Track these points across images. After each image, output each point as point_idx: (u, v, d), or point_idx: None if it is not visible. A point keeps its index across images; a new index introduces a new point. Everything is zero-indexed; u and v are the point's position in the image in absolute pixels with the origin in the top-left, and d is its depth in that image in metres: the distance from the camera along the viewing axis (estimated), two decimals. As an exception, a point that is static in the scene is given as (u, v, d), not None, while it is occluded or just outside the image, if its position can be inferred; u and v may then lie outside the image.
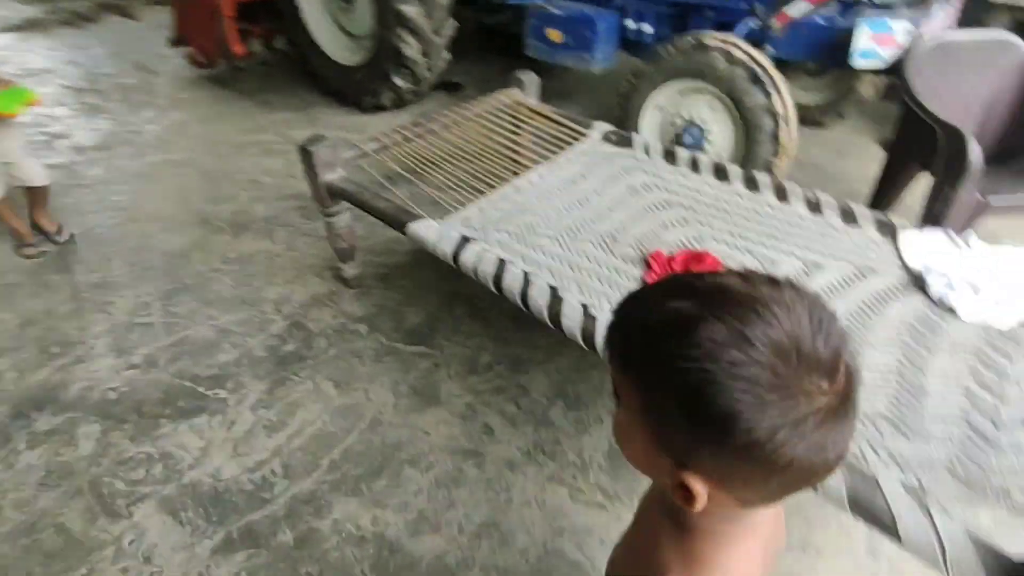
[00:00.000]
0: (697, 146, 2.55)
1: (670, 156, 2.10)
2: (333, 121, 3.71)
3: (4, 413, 1.81)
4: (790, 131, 2.30)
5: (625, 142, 2.21)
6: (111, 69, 4.55)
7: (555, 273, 1.58)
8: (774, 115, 2.27)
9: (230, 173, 3.11)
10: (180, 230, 2.65)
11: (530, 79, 2.51)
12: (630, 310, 0.49)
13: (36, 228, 2.52)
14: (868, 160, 3.28)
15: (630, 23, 3.06)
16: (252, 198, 2.90)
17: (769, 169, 2.37)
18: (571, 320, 1.39)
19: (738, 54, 2.28)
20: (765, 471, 0.43)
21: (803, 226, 1.73)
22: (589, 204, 1.87)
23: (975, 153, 1.82)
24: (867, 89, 3.31)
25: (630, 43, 3.16)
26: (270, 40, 4.51)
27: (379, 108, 3.76)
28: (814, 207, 1.80)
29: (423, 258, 2.45)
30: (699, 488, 0.45)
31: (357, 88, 3.71)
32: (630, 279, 1.56)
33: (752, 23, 2.56)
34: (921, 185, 2.28)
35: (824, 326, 0.42)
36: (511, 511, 1.53)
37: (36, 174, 2.41)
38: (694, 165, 2.04)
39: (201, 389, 1.88)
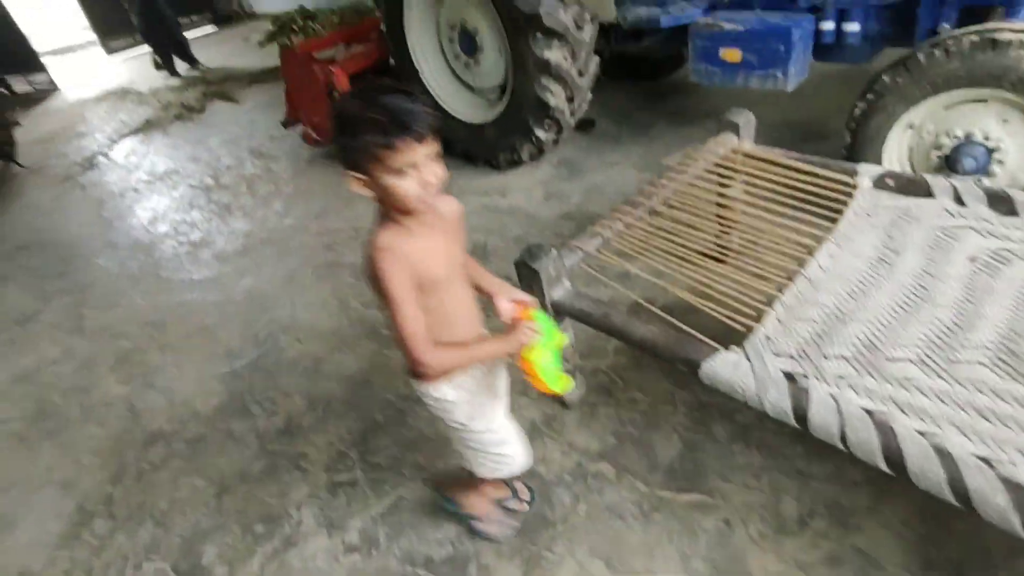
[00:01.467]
0: (982, 171, 1.97)
1: (998, 202, 1.55)
2: (470, 186, 3.38)
3: (224, 628, 1.53)
4: None
5: (915, 188, 1.68)
6: (230, 160, 4.50)
7: (961, 425, 1.08)
8: (1123, 121, 1.66)
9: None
10: (350, 347, 2.36)
11: (746, 119, 2.03)
12: None
13: None
14: None
15: (828, 25, 2.51)
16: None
17: (1114, 192, 1.75)
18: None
19: (1055, 48, 1.70)
20: None
21: None
22: (932, 297, 1.35)
23: None
24: None
25: (824, 48, 2.61)
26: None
27: (515, 163, 3.41)
28: None
29: (642, 356, 2.00)
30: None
31: (489, 147, 3.37)
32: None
33: (1035, 1, 1.95)
34: None
35: None
36: None
37: None
38: (1049, 213, 1.47)
39: (442, 580, 1.52)
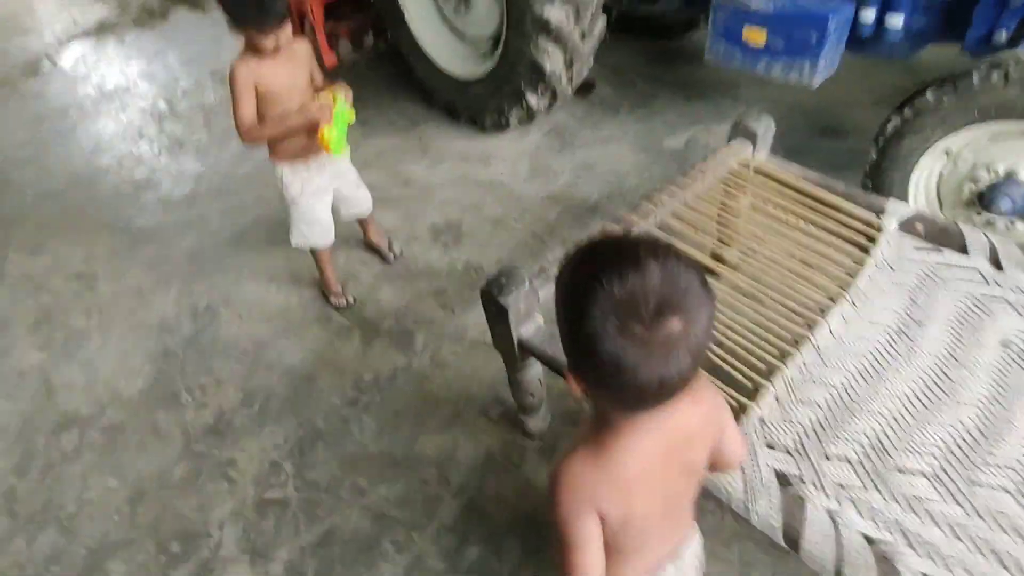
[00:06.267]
0: (1018, 213, 1.76)
1: (1039, 270, 1.35)
2: (450, 148, 3.06)
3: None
4: None
5: (947, 239, 1.47)
6: (189, 82, 4.05)
7: (973, 573, 0.92)
8: None
9: (340, 237, 2.55)
10: (297, 333, 2.13)
11: (766, 127, 1.76)
12: None
13: (369, 247, 2.42)
14: None
15: (868, 15, 2.20)
16: (375, 277, 2.34)
17: None
18: None
19: None
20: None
21: None
22: (956, 391, 1.17)
23: None
24: None
25: (859, 39, 2.30)
26: (359, 40, 3.87)
27: (502, 127, 3.08)
28: None
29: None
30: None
31: (475, 104, 3.03)
32: None
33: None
34: None
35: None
36: None
37: (367, 203, 2.20)
38: (1097, 295, 1.28)
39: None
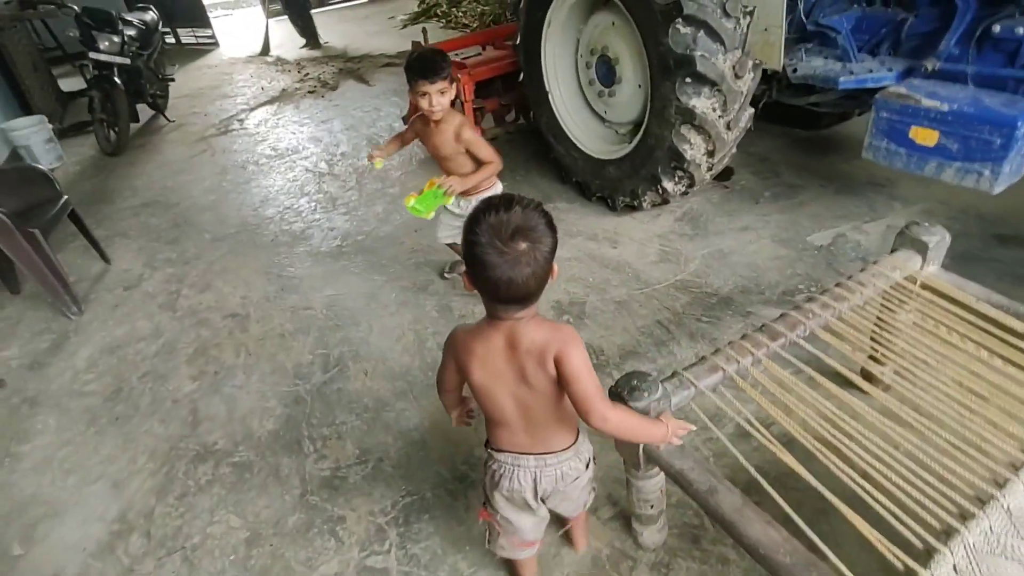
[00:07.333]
0: None
1: None
2: (579, 225, 3.10)
3: None
4: None
5: None
6: (348, 147, 4.51)
7: None
8: None
9: (469, 301, 2.62)
10: (416, 397, 2.18)
11: (939, 241, 1.59)
12: None
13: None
14: None
15: (1066, 119, 1.96)
16: (496, 349, 2.36)
17: None
18: None
19: None
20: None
21: None
22: None
23: None
24: None
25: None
26: (502, 117, 4.11)
27: (633, 208, 3.07)
28: None
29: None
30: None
31: (609, 185, 3.06)
32: None
33: None
34: None
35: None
36: None
37: None
38: None
39: None
